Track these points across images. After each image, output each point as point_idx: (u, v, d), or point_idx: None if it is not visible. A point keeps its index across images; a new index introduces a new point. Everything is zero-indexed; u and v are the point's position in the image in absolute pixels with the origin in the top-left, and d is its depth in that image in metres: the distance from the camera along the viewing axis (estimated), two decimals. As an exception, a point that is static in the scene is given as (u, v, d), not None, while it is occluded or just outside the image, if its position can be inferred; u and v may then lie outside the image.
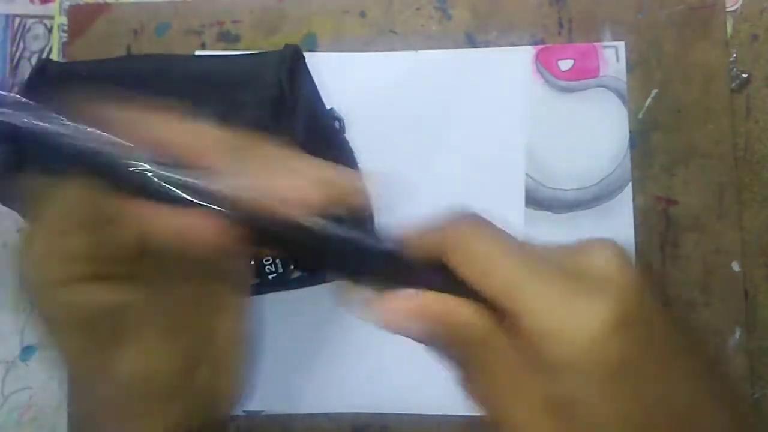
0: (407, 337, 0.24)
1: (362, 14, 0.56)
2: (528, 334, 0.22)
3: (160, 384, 0.26)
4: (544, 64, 0.54)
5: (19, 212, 0.38)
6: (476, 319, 0.24)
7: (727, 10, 0.53)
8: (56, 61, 0.41)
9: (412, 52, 0.55)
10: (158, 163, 0.24)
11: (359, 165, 0.52)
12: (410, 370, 0.52)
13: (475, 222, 0.25)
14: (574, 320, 0.22)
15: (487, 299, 0.23)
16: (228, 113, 0.37)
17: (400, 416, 0.53)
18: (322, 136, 0.43)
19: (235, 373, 0.29)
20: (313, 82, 0.42)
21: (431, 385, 0.52)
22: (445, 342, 0.25)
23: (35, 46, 0.58)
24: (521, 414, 0.23)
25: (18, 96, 0.25)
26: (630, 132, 0.53)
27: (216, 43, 0.56)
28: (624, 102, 0.53)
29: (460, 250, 0.24)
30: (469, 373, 0.26)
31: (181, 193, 0.23)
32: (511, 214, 0.53)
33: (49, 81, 0.39)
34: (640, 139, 0.53)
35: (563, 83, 0.54)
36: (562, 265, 0.23)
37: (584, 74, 0.54)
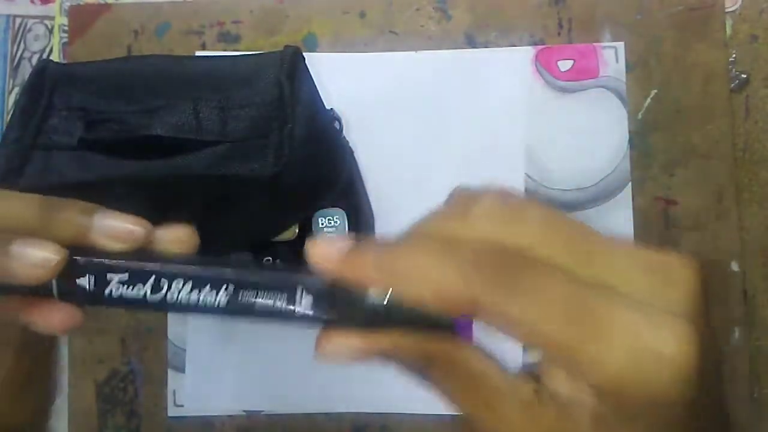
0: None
1: (362, 15, 0.56)
2: (599, 378, 0.19)
3: None
4: (543, 65, 0.54)
5: None
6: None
7: (727, 10, 0.54)
8: (56, 62, 0.41)
9: (411, 53, 0.55)
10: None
11: (359, 165, 0.52)
12: (410, 370, 0.52)
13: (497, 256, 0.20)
14: (659, 360, 0.18)
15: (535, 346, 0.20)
16: (228, 113, 0.38)
17: (400, 416, 0.53)
18: (322, 137, 0.43)
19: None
20: (313, 82, 0.42)
21: (431, 385, 0.52)
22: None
23: (36, 46, 0.58)
24: None
25: None
26: (629, 132, 0.53)
27: (216, 44, 0.56)
28: (623, 102, 0.54)
29: (485, 305, 0.20)
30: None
31: None
32: (511, 215, 0.53)
33: (49, 82, 0.39)
34: (640, 140, 0.53)
35: (563, 84, 0.54)
36: (635, 284, 0.20)
37: (584, 75, 0.54)
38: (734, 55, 0.53)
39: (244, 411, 0.54)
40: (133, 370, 0.55)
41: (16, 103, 0.40)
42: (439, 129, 0.54)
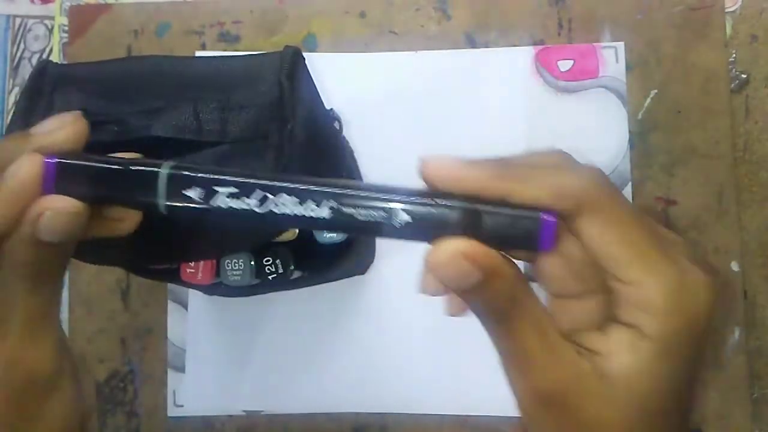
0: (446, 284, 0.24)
1: (362, 15, 0.56)
2: (631, 305, 0.23)
3: None
4: (543, 65, 0.54)
5: None
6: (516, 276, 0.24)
7: (727, 10, 0.54)
8: (56, 63, 0.41)
9: (411, 53, 0.55)
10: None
11: (359, 165, 0.52)
12: (410, 370, 0.52)
13: (604, 180, 0.24)
14: (685, 304, 0.23)
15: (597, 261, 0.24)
16: (228, 114, 0.38)
17: (400, 416, 0.53)
18: (322, 137, 0.43)
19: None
20: (312, 82, 0.42)
21: (431, 385, 0.52)
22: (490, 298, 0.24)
23: (36, 46, 0.58)
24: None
25: None
26: (629, 132, 0.53)
27: (216, 44, 0.56)
28: (623, 102, 0.54)
29: (599, 207, 0.23)
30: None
31: None
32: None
33: (49, 82, 0.39)
34: (640, 140, 0.53)
35: (563, 84, 0.54)
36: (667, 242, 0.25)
37: (584, 75, 0.54)
38: (734, 55, 0.53)
39: (244, 411, 0.54)
40: (133, 370, 0.55)
41: (17, 104, 0.40)
42: (439, 129, 0.54)
